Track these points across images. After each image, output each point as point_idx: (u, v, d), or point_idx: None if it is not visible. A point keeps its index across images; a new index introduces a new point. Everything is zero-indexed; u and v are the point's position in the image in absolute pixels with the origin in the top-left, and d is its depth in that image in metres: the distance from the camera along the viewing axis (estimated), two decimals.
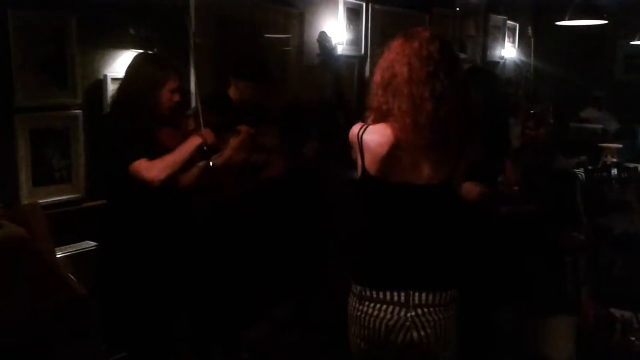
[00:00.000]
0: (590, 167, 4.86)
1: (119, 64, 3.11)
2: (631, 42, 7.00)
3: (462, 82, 1.81)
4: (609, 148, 5.74)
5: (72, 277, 2.44)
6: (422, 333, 1.87)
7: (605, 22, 5.03)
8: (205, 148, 2.71)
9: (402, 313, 1.87)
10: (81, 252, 2.88)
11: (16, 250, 2.10)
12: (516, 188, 3.70)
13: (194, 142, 2.69)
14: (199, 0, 3.47)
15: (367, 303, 1.91)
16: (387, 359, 1.94)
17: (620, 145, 5.70)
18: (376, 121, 1.86)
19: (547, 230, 3.34)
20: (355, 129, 1.88)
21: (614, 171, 4.84)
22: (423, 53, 1.78)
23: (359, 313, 1.93)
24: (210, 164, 2.74)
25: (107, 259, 2.77)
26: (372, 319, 1.90)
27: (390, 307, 1.88)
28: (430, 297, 1.87)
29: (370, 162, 1.85)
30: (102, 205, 2.92)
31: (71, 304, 2.22)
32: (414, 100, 1.76)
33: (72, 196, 3.00)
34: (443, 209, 1.87)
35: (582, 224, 3.66)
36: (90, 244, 2.93)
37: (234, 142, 2.88)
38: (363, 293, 1.92)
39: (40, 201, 2.77)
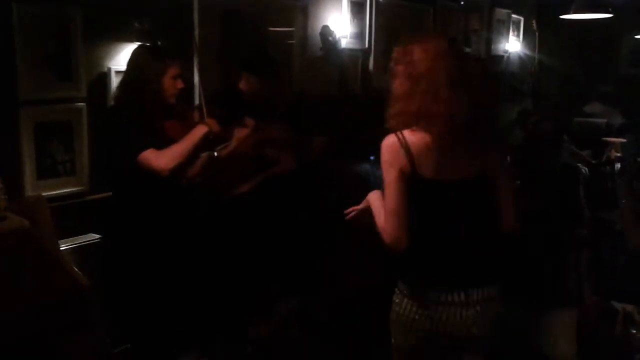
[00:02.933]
0: (594, 162, 4.86)
1: (122, 57, 3.11)
2: (636, 37, 6.97)
3: (477, 77, 1.91)
4: (613, 142, 5.73)
5: (76, 269, 2.46)
6: (482, 328, 1.95)
7: (610, 15, 5.00)
8: (211, 137, 2.73)
9: (464, 312, 1.93)
10: (85, 244, 2.90)
11: (20, 242, 2.11)
12: (517, 182, 3.70)
13: (200, 130, 2.71)
14: None
15: (427, 306, 1.95)
16: (443, 356, 2.00)
17: (625, 140, 5.67)
18: (407, 126, 1.91)
19: (550, 224, 3.34)
20: (393, 137, 1.92)
21: (618, 165, 4.83)
22: (449, 62, 1.88)
23: (417, 316, 1.96)
24: (215, 154, 2.76)
25: (112, 251, 2.79)
26: (434, 321, 1.94)
27: (452, 308, 1.93)
28: (486, 292, 1.95)
29: (420, 164, 1.89)
30: (105, 198, 2.93)
31: (75, 296, 2.24)
32: (448, 103, 1.84)
33: (76, 189, 3.01)
34: (485, 201, 1.94)
35: (584, 219, 3.67)
36: (94, 237, 2.95)
37: (239, 133, 2.90)
38: (423, 295, 1.95)
39: (44, 194, 2.78)
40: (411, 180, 1.89)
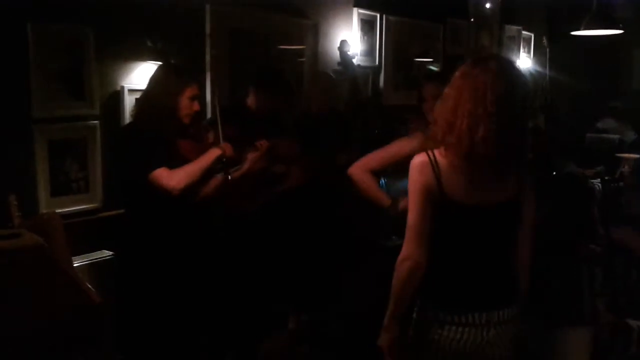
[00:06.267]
0: (607, 178, 4.82)
1: (135, 75, 3.15)
2: None
3: (509, 107, 1.83)
4: (626, 158, 5.69)
5: (89, 286, 2.47)
6: (503, 350, 1.94)
7: (621, 31, 5.00)
8: (224, 160, 2.76)
9: (485, 333, 1.92)
10: (97, 261, 2.92)
11: (34, 258, 2.13)
12: None
13: (213, 153, 2.74)
14: (214, 12, 3.52)
15: (447, 327, 1.93)
16: None
17: (638, 156, 5.64)
18: (439, 145, 1.90)
19: (563, 240, 3.32)
20: (422, 157, 1.90)
21: None
22: (478, 80, 1.83)
23: (437, 337, 1.94)
24: (229, 177, 2.79)
25: (125, 267, 2.79)
26: (454, 342, 1.92)
27: (473, 329, 1.91)
28: (507, 314, 1.94)
29: (448, 186, 1.87)
30: (118, 215, 2.95)
31: (87, 312, 2.25)
32: (459, 124, 1.83)
33: (89, 206, 3.04)
34: (513, 226, 1.95)
35: (597, 235, 3.63)
36: (106, 254, 2.96)
37: (252, 156, 2.92)
38: (443, 317, 1.93)
39: (58, 211, 2.80)
40: (438, 201, 1.88)
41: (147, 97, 2.76)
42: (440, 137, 1.88)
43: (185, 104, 2.73)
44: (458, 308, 1.92)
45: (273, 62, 3.97)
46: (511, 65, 1.91)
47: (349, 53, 4.24)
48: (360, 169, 2.76)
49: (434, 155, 1.89)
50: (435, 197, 1.87)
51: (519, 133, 1.87)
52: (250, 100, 3.32)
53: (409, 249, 1.90)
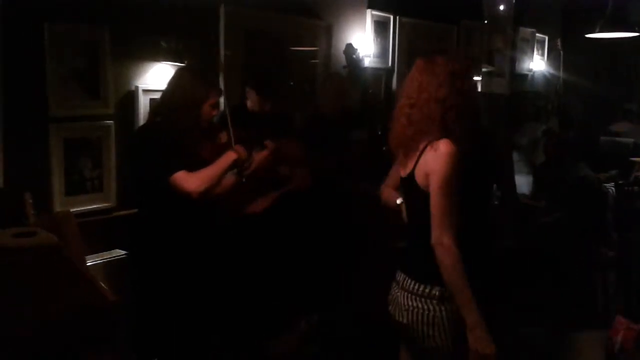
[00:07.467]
0: (620, 182, 4.79)
1: (150, 75, 3.17)
2: None
3: (432, 99, 2.03)
4: None
5: (103, 285, 2.48)
6: (397, 312, 2.11)
7: (637, 34, 4.96)
8: (239, 164, 2.78)
9: (395, 289, 2.16)
10: (111, 260, 2.94)
11: (49, 257, 2.14)
12: (543, 202, 3.68)
13: (230, 157, 2.74)
14: (228, 13, 3.54)
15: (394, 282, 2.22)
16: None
17: None
18: None
19: (576, 244, 3.31)
20: None
21: None
22: (413, 76, 2.11)
23: None
24: (243, 180, 2.81)
25: (138, 266, 2.80)
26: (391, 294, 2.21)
27: (393, 283, 2.19)
28: (411, 285, 2.07)
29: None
30: (132, 214, 2.96)
31: (101, 311, 2.26)
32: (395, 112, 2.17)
33: (103, 205, 3.06)
34: (410, 199, 2.14)
35: (612, 239, 3.61)
36: (120, 252, 2.98)
37: (260, 155, 2.92)
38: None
39: (72, 210, 2.82)
40: None
41: (168, 101, 2.72)
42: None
43: (206, 111, 2.74)
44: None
45: (271, 63, 3.97)
46: (436, 64, 2.06)
47: (355, 56, 4.24)
48: (385, 188, 2.82)
49: None
50: None
51: (430, 121, 2.02)
52: (248, 102, 3.35)
53: None
